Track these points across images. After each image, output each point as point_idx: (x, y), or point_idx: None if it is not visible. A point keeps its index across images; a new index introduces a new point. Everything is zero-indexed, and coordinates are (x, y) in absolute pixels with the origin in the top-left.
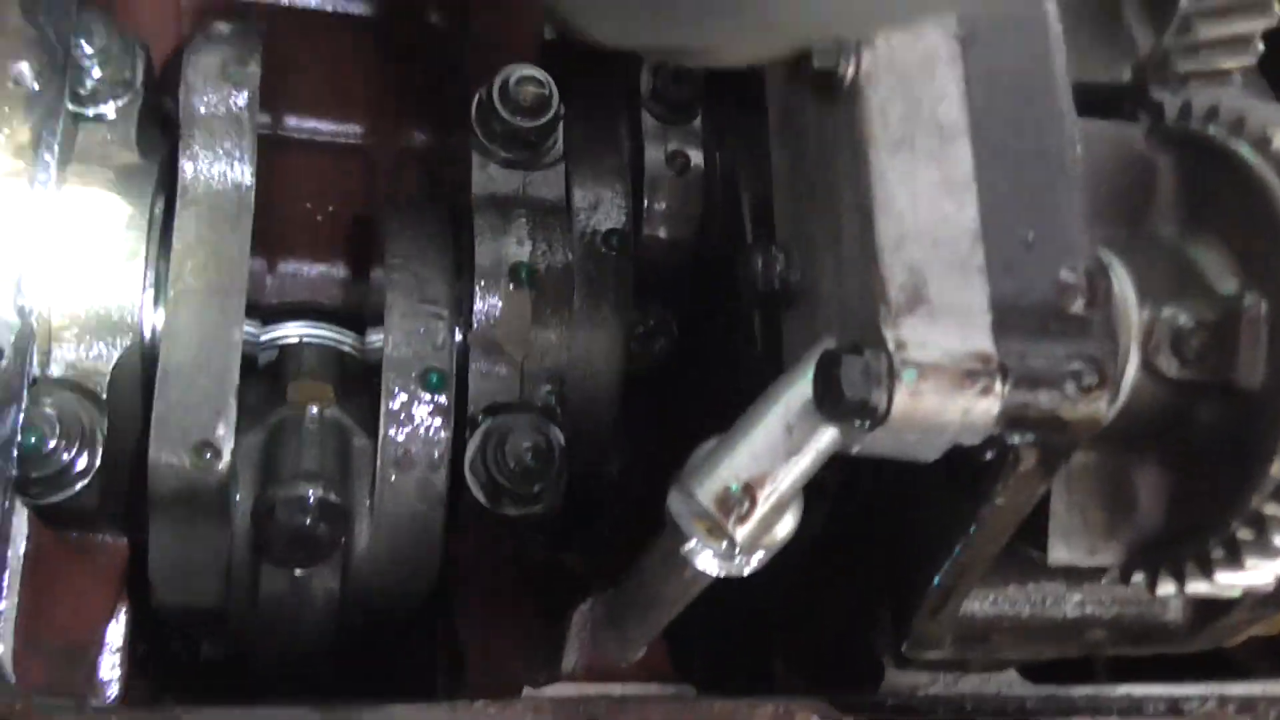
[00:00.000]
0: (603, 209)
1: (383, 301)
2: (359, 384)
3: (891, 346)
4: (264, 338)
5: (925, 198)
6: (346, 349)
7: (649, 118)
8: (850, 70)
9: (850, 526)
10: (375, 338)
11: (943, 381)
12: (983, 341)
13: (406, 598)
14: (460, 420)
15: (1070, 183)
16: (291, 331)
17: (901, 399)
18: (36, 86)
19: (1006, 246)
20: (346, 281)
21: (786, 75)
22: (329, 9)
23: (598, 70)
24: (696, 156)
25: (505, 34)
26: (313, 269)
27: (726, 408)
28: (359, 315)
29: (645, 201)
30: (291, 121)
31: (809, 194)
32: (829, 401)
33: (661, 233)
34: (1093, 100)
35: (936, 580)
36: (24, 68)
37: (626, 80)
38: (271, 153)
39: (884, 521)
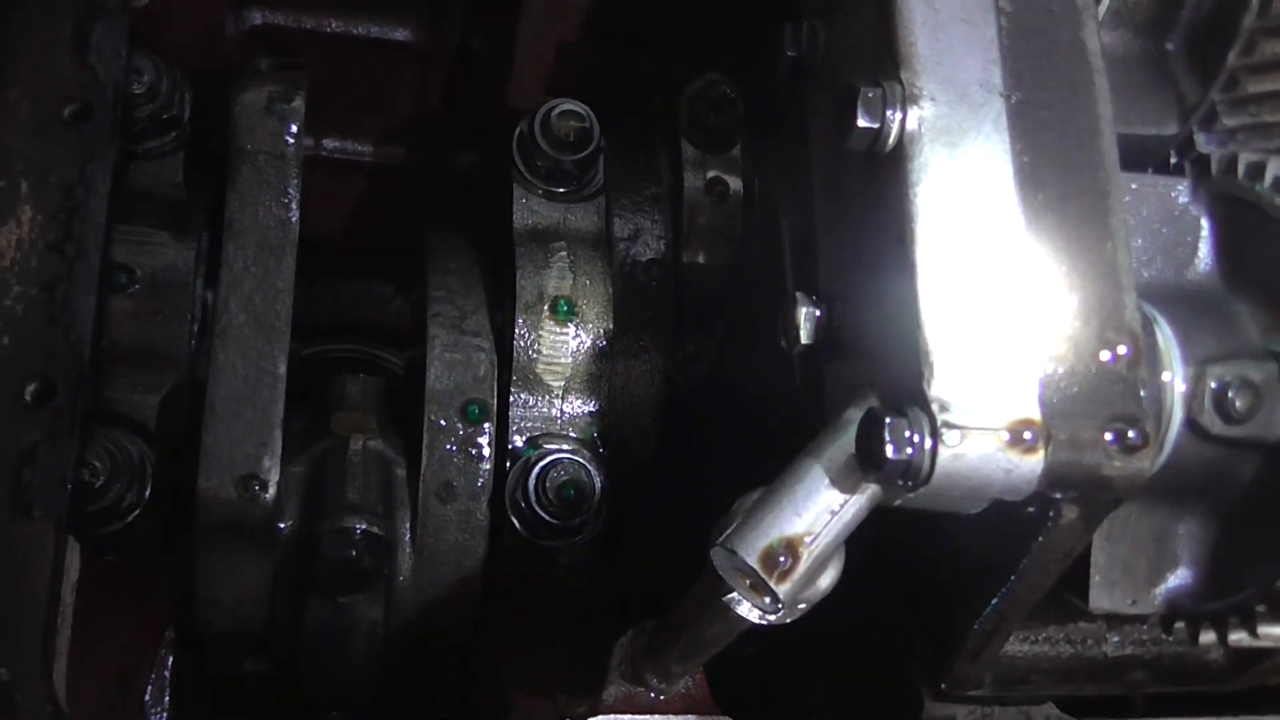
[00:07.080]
0: (642, 239)
1: (422, 318)
2: (400, 413)
3: (935, 408)
4: (305, 353)
5: (971, 260)
6: (388, 369)
7: (689, 146)
8: (895, 131)
9: (890, 562)
10: (413, 352)
11: (986, 443)
12: (1027, 403)
13: (449, 625)
14: (501, 452)
15: (1116, 244)
16: (329, 348)
17: (944, 461)
18: (87, 125)
19: (1052, 307)
20: (385, 299)
21: (832, 133)
22: (372, 34)
23: (637, 101)
24: (735, 184)
25: (548, 66)
26: (350, 287)
27: (764, 433)
28: (397, 332)
29: (684, 228)
30: (331, 143)
31: (853, 251)
32: (872, 461)
33: (700, 259)
34: (1138, 152)
35: (976, 625)
36: (75, 107)
37: (666, 111)
38: (311, 173)
39: (924, 560)
